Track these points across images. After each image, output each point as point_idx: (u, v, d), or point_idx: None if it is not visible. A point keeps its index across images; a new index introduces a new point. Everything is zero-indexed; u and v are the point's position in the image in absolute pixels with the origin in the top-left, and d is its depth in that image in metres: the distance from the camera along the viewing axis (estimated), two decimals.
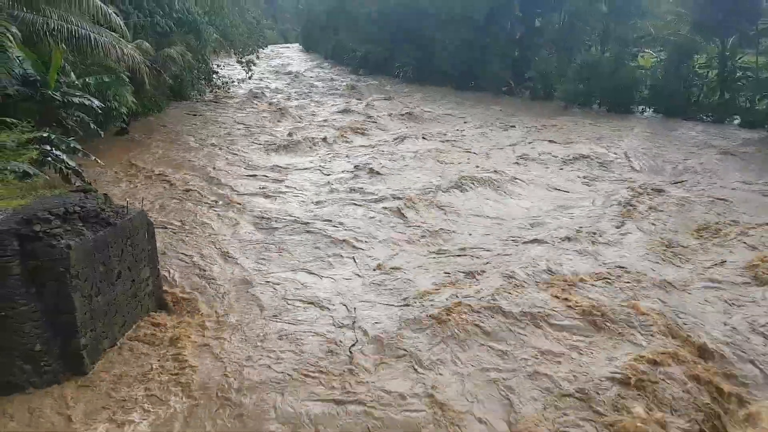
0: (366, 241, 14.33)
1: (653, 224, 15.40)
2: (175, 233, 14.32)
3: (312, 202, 17.35)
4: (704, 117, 30.78)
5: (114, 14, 14.35)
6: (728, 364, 9.12)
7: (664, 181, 19.47)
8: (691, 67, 32.26)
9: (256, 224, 15.42)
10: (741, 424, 7.99)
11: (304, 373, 9.00)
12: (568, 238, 14.22)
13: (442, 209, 16.73)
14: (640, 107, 33.52)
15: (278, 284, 11.95)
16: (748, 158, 22.66)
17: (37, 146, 11.84)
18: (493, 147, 24.97)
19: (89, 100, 15.27)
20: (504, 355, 9.36)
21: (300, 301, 11.29)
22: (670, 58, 32.67)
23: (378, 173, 20.37)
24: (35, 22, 12.26)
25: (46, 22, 12.40)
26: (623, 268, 12.55)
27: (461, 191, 18.28)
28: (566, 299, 10.98)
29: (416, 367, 9.12)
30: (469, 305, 10.58)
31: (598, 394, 8.33)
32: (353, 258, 13.39)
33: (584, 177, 20.44)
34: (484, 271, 12.36)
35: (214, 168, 20.59)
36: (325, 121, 30.47)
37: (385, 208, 16.59)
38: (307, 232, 14.87)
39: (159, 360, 9.19)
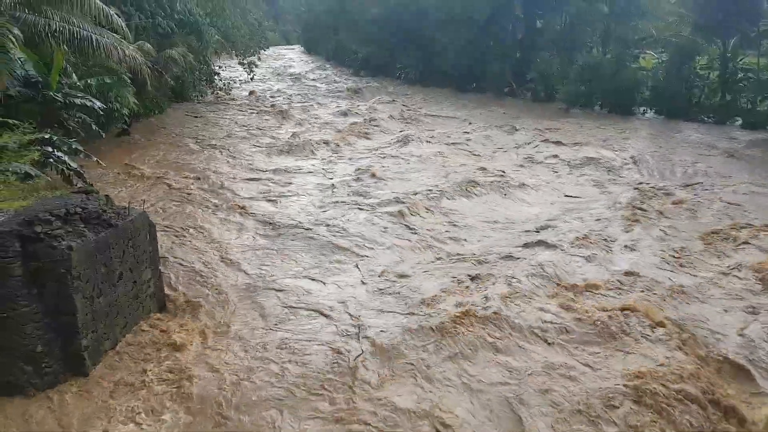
0: (370, 247, 14.04)
1: (664, 229, 15.15)
2: (176, 237, 14.10)
3: (315, 207, 17.07)
4: (705, 118, 30.78)
5: (115, 15, 14.35)
6: (747, 380, 8.84)
7: (674, 185, 19.24)
8: (693, 68, 32.28)
9: (258, 229, 15.14)
10: None
11: (307, 387, 8.66)
12: (578, 244, 13.94)
13: (448, 214, 16.51)
14: (641, 109, 33.52)
15: (281, 291, 11.66)
16: (755, 161, 22.56)
17: (39, 147, 11.84)
18: (498, 150, 24.81)
19: (91, 101, 15.29)
20: (512, 369, 9.02)
21: (303, 308, 10.99)
22: (672, 59, 32.69)
23: (381, 177, 20.12)
24: (37, 24, 12.25)
25: (48, 23, 12.40)
26: (635, 274, 12.26)
27: (467, 195, 18.09)
28: (576, 308, 10.72)
29: (423, 381, 8.77)
30: (477, 315, 10.28)
31: (608, 410, 8.05)
32: (357, 264, 13.09)
33: (591, 180, 20.22)
34: (491, 277, 12.06)
35: (215, 171, 20.44)
36: (327, 123, 30.35)
37: (389, 212, 16.26)
38: (311, 237, 14.55)
39: (158, 367, 8.97)
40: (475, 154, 23.94)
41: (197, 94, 35.02)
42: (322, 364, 9.17)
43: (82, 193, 10.16)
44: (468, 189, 18.48)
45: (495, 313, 10.34)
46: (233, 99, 37.21)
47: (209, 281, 11.93)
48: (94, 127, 16.22)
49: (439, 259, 13.47)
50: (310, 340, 9.86)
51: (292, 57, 71.60)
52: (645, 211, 16.35)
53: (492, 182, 19.17)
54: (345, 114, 32.87)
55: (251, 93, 39.23)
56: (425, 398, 8.39)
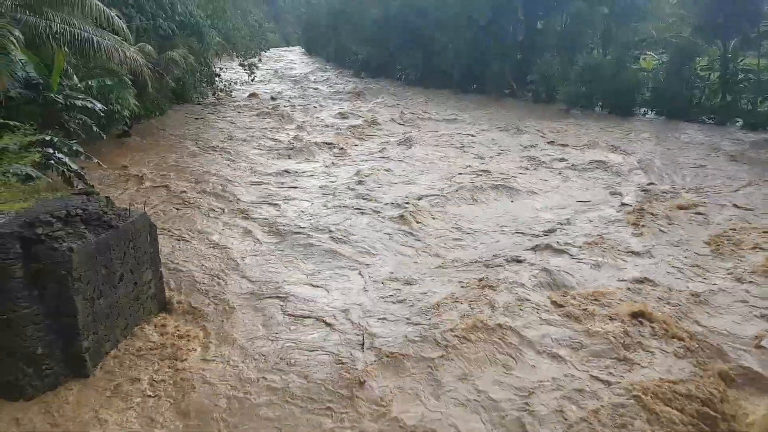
0: (374, 253, 13.69)
1: (674, 234, 14.81)
2: (177, 241, 13.90)
3: (318, 211, 16.72)
4: (706, 119, 30.78)
5: (116, 17, 14.36)
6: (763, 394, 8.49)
7: (683, 188, 18.96)
8: (693, 69, 32.29)
9: (260, 234, 14.81)
10: None
11: (309, 403, 8.23)
12: (587, 249, 13.59)
13: (453, 218, 16.20)
14: (642, 110, 33.54)
15: (283, 298, 11.31)
16: (762, 163, 22.35)
17: (40, 149, 11.86)
18: (502, 152, 24.62)
19: (92, 103, 15.31)
20: (522, 385, 8.58)
21: (306, 317, 10.62)
22: (672, 60, 32.71)
23: (384, 180, 19.89)
24: (38, 26, 12.26)
25: (49, 25, 12.41)
26: (647, 281, 11.91)
27: (472, 199, 17.81)
28: (586, 319, 10.35)
29: (430, 398, 8.36)
30: (484, 326, 9.92)
31: (620, 430, 7.74)
32: (361, 271, 12.70)
33: (598, 183, 19.95)
34: (498, 284, 11.61)
35: (216, 173, 20.32)
36: (328, 125, 30.26)
37: (393, 217, 15.96)
38: (313, 242, 14.19)
39: (155, 376, 8.75)
40: (479, 157, 23.70)
41: (198, 95, 35.09)
42: (325, 377, 8.78)
43: (82, 195, 10.18)
44: (473, 193, 18.21)
45: (501, 325, 9.99)
46: (234, 101, 37.25)
47: (210, 287, 11.66)
48: (94, 128, 16.24)
49: (444, 264, 13.08)
50: (312, 350, 9.52)
51: (293, 58, 71.66)
52: (654, 215, 15.94)
53: (497, 186, 18.90)
54: (346, 116, 32.81)
55: (252, 95, 39.27)
56: (433, 416, 8.00)
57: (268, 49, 58.49)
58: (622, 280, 12.04)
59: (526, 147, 25.34)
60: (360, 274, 12.57)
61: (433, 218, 16.10)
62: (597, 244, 13.89)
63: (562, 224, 15.56)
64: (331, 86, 46.35)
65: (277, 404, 8.23)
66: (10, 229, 8.01)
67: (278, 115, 32.46)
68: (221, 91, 37.95)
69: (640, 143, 26.08)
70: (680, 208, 16.58)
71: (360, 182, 19.60)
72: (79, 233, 8.58)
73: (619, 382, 8.55)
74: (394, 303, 11.18)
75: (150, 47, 22.99)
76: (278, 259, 13.29)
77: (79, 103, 14.97)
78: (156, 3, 27.34)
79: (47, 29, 12.33)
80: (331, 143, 25.72)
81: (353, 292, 11.66)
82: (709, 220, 15.72)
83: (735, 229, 14.91)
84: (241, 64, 41.60)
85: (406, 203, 16.97)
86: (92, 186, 13.56)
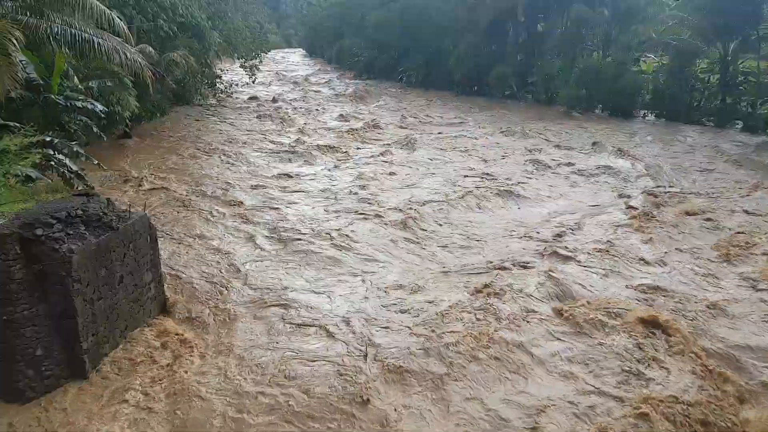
0: (377, 259, 13.39)
1: (683, 240, 14.49)
2: (177, 245, 13.72)
3: (320, 215, 16.43)
4: (706, 121, 30.78)
5: (117, 18, 14.38)
6: None
7: (691, 193, 18.66)
8: (693, 71, 32.31)
9: (260, 238, 14.53)
10: None
11: (309, 420, 7.82)
12: (595, 255, 13.24)
13: (458, 223, 15.93)
14: (642, 112, 33.57)
15: (284, 305, 10.99)
16: (766, 167, 22.11)
17: (40, 150, 11.87)
18: (507, 155, 24.37)
19: (92, 104, 15.34)
20: (532, 402, 8.20)
21: (308, 325, 10.28)
22: (672, 62, 32.78)
23: (387, 184, 19.63)
24: (39, 27, 12.27)
25: (50, 26, 12.42)
26: (657, 289, 11.54)
27: (477, 204, 17.54)
28: (597, 328, 9.99)
29: (440, 417, 7.99)
30: (491, 338, 9.63)
31: None
32: (365, 277, 12.37)
33: (606, 188, 19.59)
34: (504, 293, 11.23)
35: (216, 176, 20.24)
36: (330, 128, 30.18)
37: (396, 222, 15.60)
38: (315, 247, 13.87)
39: (151, 386, 8.49)
40: (483, 160, 23.46)
41: (199, 97, 35.15)
42: (327, 391, 8.38)
43: (83, 196, 10.15)
44: (478, 198, 17.89)
45: (509, 339, 9.65)
46: (235, 102, 37.30)
47: (209, 294, 11.46)
48: (95, 130, 16.26)
49: (449, 272, 12.72)
50: (314, 361, 9.16)
51: (294, 60, 71.86)
52: (664, 222, 15.61)
53: (503, 191, 18.65)
54: (348, 119, 32.76)
55: (253, 97, 39.30)
56: None
57: (270, 51, 58.53)
58: (632, 289, 11.69)
59: (530, 150, 25.06)
60: (363, 281, 12.22)
61: (439, 225, 15.72)
62: (606, 251, 13.58)
63: (569, 230, 15.21)
64: (332, 88, 46.39)
65: (276, 423, 7.80)
66: (9, 230, 8.01)
67: (279, 118, 32.43)
68: (222, 92, 37.98)
69: (645, 147, 25.85)
70: (690, 213, 16.24)
71: (362, 186, 19.28)
72: (79, 234, 8.57)
73: (632, 398, 8.21)
74: (398, 312, 10.81)
75: (151, 48, 23.04)
76: (279, 265, 12.99)
77: (79, 104, 14.99)
78: (157, 4, 27.37)
79: (48, 30, 12.33)
80: (332, 146, 25.55)
81: (356, 300, 11.29)
82: (719, 225, 15.34)
83: (746, 234, 14.56)
84: (242, 66, 41.64)
85: (410, 208, 16.62)
86: (92, 187, 13.56)
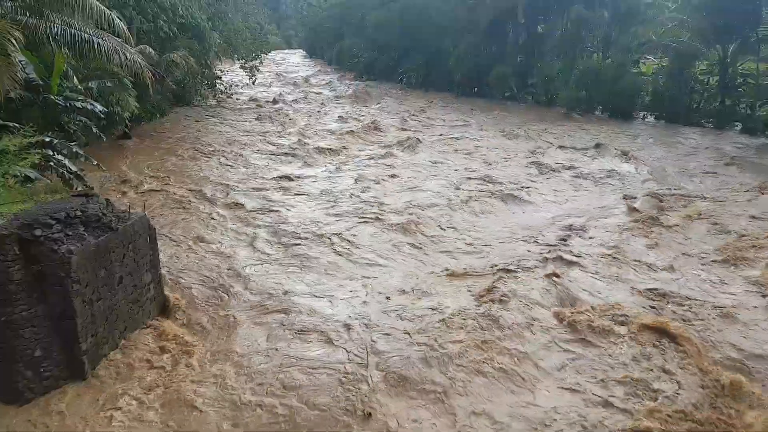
0: (379, 264, 13.15)
1: (690, 243, 14.23)
2: (176, 247, 13.59)
3: (321, 218, 16.18)
4: (705, 123, 30.82)
5: (117, 19, 14.38)
6: None
7: (697, 196, 18.27)
8: (692, 73, 32.34)
9: (260, 241, 14.35)
10: None
11: None
12: (601, 259, 13.05)
13: (461, 227, 15.67)
14: (642, 114, 33.61)
15: (285, 311, 10.79)
16: None
17: (39, 151, 11.87)
18: (509, 157, 24.10)
19: (92, 104, 15.34)
20: (539, 416, 7.98)
21: (309, 331, 10.07)
22: (672, 64, 32.81)
23: (389, 187, 19.40)
24: (38, 27, 12.27)
25: (50, 26, 12.42)
26: (668, 295, 11.26)
27: (481, 208, 17.27)
28: (604, 336, 9.76)
29: (447, 428, 7.77)
30: (496, 347, 9.47)
31: None
32: (366, 282, 12.13)
33: (611, 191, 19.27)
34: (509, 299, 10.99)
35: (216, 177, 20.13)
36: (330, 129, 30.07)
37: (398, 226, 15.36)
38: (316, 251, 13.71)
39: (147, 393, 8.32)
40: (486, 162, 23.21)
41: (199, 98, 35.19)
42: (328, 402, 8.13)
43: (82, 197, 10.14)
44: (481, 201, 17.66)
45: (514, 348, 9.46)
46: (235, 103, 37.31)
47: (209, 297, 11.33)
48: (94, 130, 16.27)
49: (452, 277, 12.43)
50: (315, 369, 8.92)
51: (294, 61, 71.91)
52: (670, 226, 15.30)
53: (507, 194, 18.30)
54: (348, 120, 32.68)
55: (253, 98, 39.34)
56: None
57: (270, 52, 58.60)
58: (638, 294, 11.46)
59: (533, 152, 24.79)
60: (365, 286, 12.00)
61: (442, 229, 15.46)
62: (611, 255, 13.37)
63: (574, 234, 14.97)
64: (332, 89, 46.40)
65: None
66: (8, 231, 8.00)
67: (279, 119, 32.43)
68: (222, 93, 38.02)
69: (647, 149, 25.58)
70: (695, 217, 16.02)
71: (364, 189, 19.03)
72: (78, 235, 8.56)
73: (640, 411, 7.99)
74: (400, 319, 10.57)
75: (151, 49, 23.06)
76: (280, 269, 12.82)
77: (79, 104, 14.99)
78: (157, 5, 27.41)
79: (47, 31, 12.33)
80: (333, 148, 25.41)
81: (358, 306, 11.08)
82: (725, 229, 15.09)
83: (752, 237, 14.33)
84: (242, 67, 41.68)
85: (412, 213, 16.39)
86: (92, 188, 13.55)
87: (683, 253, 13.72)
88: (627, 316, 10.38)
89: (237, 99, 38.72)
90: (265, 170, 21.64)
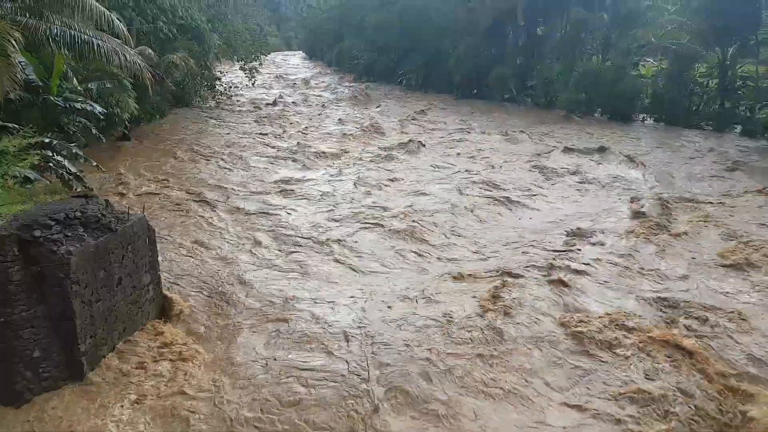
0: (381, 271, 12.94)
1: (700, 249, 13.94)
2: (174, 251, 13.49)
3: (321, 223, 15.98)
4: (704, 126, 30.83)
5: (117, 20, 14.38)
6: None
7: (705, 201, 17.92)
8: (692, 76, 32.37)
9: (261, 247, 14.15)
10: None
11: None
12: (608, 266, 12.76)
13: (465, 232, 15.43)
14: (641, 116, 33.63)
15: (285, 319, 10.53)
16: None
17: (39, 152, 11.86)
18: (513, 160, 23.90)
19: (91, 105, 15.34)
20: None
21: (309, 341, 9.80)
22: (671, 67, 32.82)
23: (390, 190, 19.29)
24: (38, 28, 12.26)
25: (49, 27, 12.41)
26: (679, 304, 10.91)
27: (484, 211, 17.14)
28: (612, 348, 9.44)
29: None
30: (503, 361, 9.17)
31: None
32: (368, 290, 11.88)
33: (617, 196, 18.92)
34: (514, 307, 10.73)
35: (215, 180, 20.03)
36: (330, 131, 30.03)
37: (400, 231, 15.15)
38: (317, 257, 13.50)
39: (139, 404, 8.14)
40: (489, 166, 22.99)
41: (199, 99, 35.19)
42: (328, 419, 7.82)
43: (81, 198, 10.14)
44: (484, 206, 17.51)
45: (521, 364, 9.13)
46: (235, 105, 37.26)
47: (207, 304, 11.17)
48: (94, 131, 16.26)
49: (456, 284, 12.10)
50: (315, 382, 8.61)
51: (294, 63, 71.88)
52: (678, 232, 14.97)
53: (511, 199, 18.25)
54: (348, 122, 32.63)
55: (252, 100, 39.33)
56: None
57: (269, 53, 58.65)
58: (647, 302, 11.16)
59: (537, 155, 24.48)
60: (366, 293, 11.74)
61: (446, 236, 15.18)
62: (619, 262, 13.09)
63: (581, 240, 14.66)
64: (332, 91, 46.39)
65: None
66: (8, 232, 7.99)
67: (279, 121, 32.36)
68: (222, 95, 38.03)
69: (652, 153, 25.20)
70: (703, 222, 15.73)
71: (365, 194, 18.83)
72: (77, 236, 8.55)
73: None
74: (401, 330, 10.24)
75: (150, 50, 23.10)
76: (280, 275, 12.59)
77: (78, 105, 14.98)
78: (157, 6, 27.44)
79: (47, 32, 12.32)
80: (333, 151, 25.31)
81: (359, 314, 10.78)
82: (734, 233, 14.77)
83: (760, 241, 14.07)
84: (242, 68, 41.70)
85: (414, 218, 16.11)
86: (91, 189, 13.54)
87: (692, 259, 13.43)
88: (636, 328, 10.03)
89: (237, 101, 38.68)
90: (265, 173, 21.50)
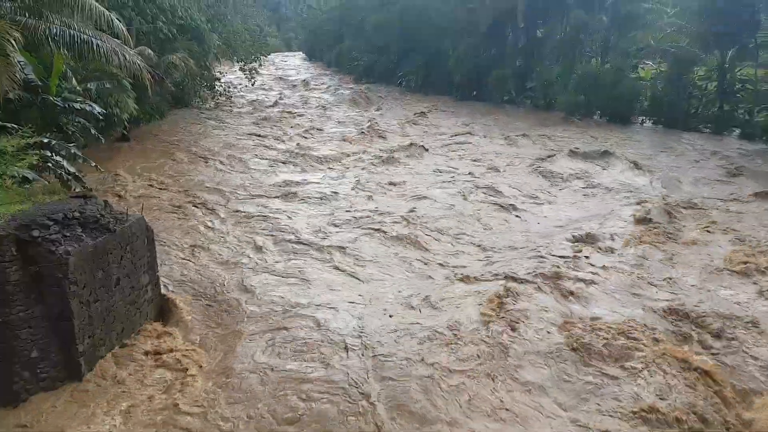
0: (383, 278, 12.73)
1: (709, 256, 13.69)
2: (173, 253, 13.42)
3: (322, 227, 15.78)
4: (703, 129, 30.86)
5: (117, 20, 14.36)
6: None
7: (713, 207, 17.80)
8: (691, 79, 32.42)
9: (261, 251, 14.01)
10: None
11: None
12: (616, 274, 12.51)
13: (469, 239, 15.23)
14: (640, 118, 33.65)
15: (285, 328, 10.36)
16: None
17: (37, 152, 11.84)
18: (515, 163, 23.72)
19: (90, 106, 15.31)
20: None
21: (309, 351, 9.63)
22: (670, 69, 32.87)
23: (392, 193, 19.12)
24: (37, 28, 12.25)
25: (49, 27, 12.40)
26: (690, 313, 10.64)
27: (488, 217, 16.90)
28: (623, 360, 9.22)
29: None
30: (509, 377, 8.98)
31: None
32: (370, 297, 11.69)
33: (623, 200, 18.67)
34: (518, 317, 10.48)
35: (215, 183, 19.94)
36: (331, 133, 29.96)
37: (403, 237, 14.91)
38: (318, 263, 13.36)
39: (130, 413, 8.06)
40: (494, 168, 22.82)
41: (198, 100, 35.16)
42: None
43: (80, 198, 10.13)
44: (488, 211, 17.34)
45: (528, 380, 8.90)
46: (234, 106, 37.19)
47: (205, 309, 11.04)
48: (93, 132, 16.23)
49: (460, 292, 11.85)
50: (316, 394, 8.41)
51: (294, 64, 71.72)
52: (686, 239, 14.82)
53: (515, 204, 18.07)
54: (348, 124, 32.55)
55: (252, 101, 39.29)
56: None
57: (269, 54, 58.60)
58: (656, 312, 10.88)
59: (541, 159, 24.23)
60: (367, 300, 11.59)
61: (450, 244, 14.91)
62: (627, 269, 12.88)
63: (588, 246, 14.34)
64: (332, 93, 46.33)
65: None
66: (6, 232, 7.98)
67: (279, 123, 32.27)
68: (221, 95, 37.98)
69: (655, 157, 24.99)
70: (711, 228, 15.60)
71: (366, 197, 18.66)
72: (76, 236, 8.54)
73: None
74: (406, 338, 9.98)
75: (150, 51, 23.05)
76: (279, 281, 12.38)
77: (77, 106, 14.96)
78: (156, 6, 27.42)
79: (47, 31, 12.31)
80: (334, 153, 25.19)
81: (360, 322, 10.58)
82: (743, 239, 14.64)
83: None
84: (241, 69, 41.65)
85: (417, 224, 15.90)
86: (90, 189, 13.52)
87: (701, 265, 13.25)
88: (645, 337, 9.82)
89: (236, 101, 38.62)
90: (265, 176, 21.37)
